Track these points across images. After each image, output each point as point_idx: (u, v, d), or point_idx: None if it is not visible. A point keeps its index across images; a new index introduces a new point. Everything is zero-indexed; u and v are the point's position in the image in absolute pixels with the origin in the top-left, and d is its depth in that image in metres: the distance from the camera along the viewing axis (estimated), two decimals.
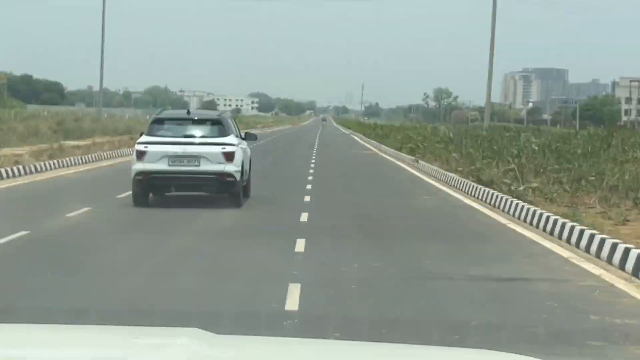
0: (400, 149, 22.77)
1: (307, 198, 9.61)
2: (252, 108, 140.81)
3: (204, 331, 0.81)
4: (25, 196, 9.85)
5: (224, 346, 0.82)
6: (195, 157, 8.40)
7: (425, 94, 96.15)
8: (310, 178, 13.16)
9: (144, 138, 8.73)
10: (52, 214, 7.41)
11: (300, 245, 5.73)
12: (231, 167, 8.38)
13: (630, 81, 55.15)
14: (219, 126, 8.84)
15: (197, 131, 8.87)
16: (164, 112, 11.23)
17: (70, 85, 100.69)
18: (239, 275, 4.75)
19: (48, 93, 69.51)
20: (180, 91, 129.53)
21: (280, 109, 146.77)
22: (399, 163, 19.50)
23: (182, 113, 10.14)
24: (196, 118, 9.32)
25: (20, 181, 11.40)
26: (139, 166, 8.36)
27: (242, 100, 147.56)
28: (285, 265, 4.97)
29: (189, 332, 0.80)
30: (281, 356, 0.77)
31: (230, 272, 4.83)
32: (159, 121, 9.14)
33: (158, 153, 8.38)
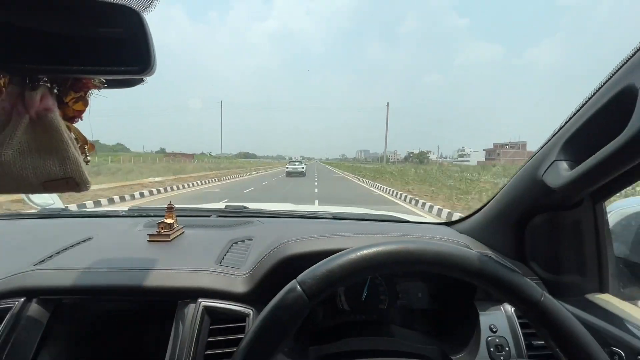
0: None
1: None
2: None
3: (294, 205, 2.23)
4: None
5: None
6: (297, 168, 33.18)
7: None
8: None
9: (287, 166, 35.44)
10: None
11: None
12: (304, 169, 33.40)
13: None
14: (302, 162, 34.97)
15: (298, 163, 34.39)
16: (290, 159, 38.53)
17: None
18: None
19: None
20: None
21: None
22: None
23: (297, 158, 39.17)
24: (295, 160, 34.58)
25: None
26: (286, 170, 33.68)
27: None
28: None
29: (288, 205, 2.18)
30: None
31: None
32: (290, 161, 35.97)
33: (290, 167, 33.41)
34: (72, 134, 0.80)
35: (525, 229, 1.31)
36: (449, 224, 1.71)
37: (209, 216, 1.81)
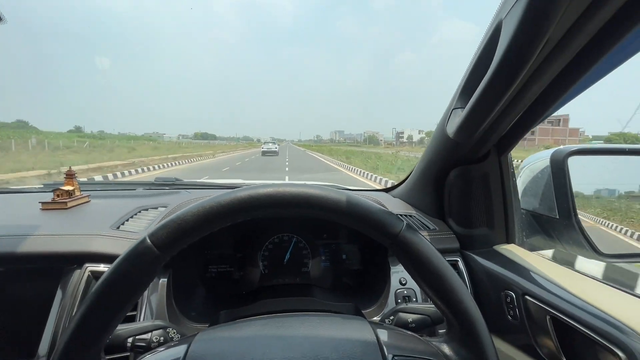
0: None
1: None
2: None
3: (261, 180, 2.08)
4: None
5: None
6: (271, 148, 38.79)
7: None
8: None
9: (262, 146, 43.84)
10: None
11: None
12: (277, 149, 38.65)
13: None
14: (275, 143, 39.32)
15: (271, 144, 41.03)
16: (265, 140, 44.87)
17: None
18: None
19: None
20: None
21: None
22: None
23: (267, 139, 42.30)
24: (269, 141, 39.20)
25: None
26: (262, 149, 39.61)
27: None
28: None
29: (237, 179, 2.01)
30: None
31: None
32: (265, 142, 39.83)
33: (265, 147, 39.24)
34: None
35: (444, 186, 1.31)
36: (387, 190, 1.75)
37: (134, 189, 1.74)
